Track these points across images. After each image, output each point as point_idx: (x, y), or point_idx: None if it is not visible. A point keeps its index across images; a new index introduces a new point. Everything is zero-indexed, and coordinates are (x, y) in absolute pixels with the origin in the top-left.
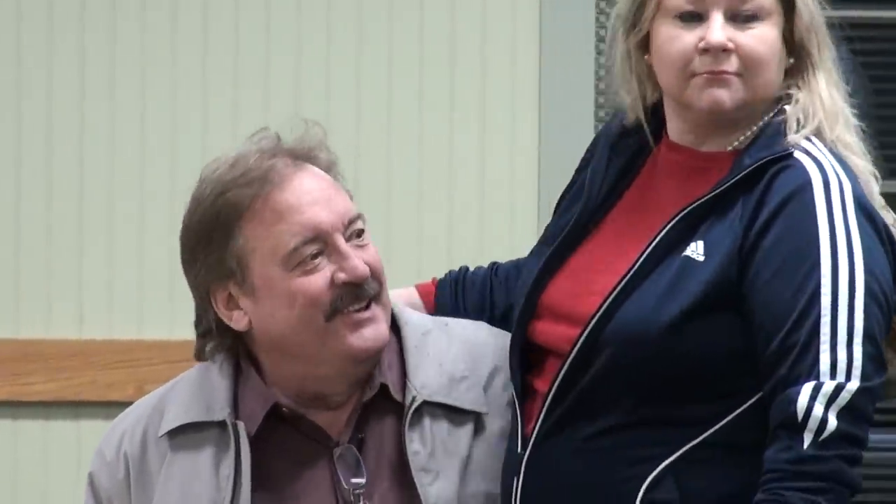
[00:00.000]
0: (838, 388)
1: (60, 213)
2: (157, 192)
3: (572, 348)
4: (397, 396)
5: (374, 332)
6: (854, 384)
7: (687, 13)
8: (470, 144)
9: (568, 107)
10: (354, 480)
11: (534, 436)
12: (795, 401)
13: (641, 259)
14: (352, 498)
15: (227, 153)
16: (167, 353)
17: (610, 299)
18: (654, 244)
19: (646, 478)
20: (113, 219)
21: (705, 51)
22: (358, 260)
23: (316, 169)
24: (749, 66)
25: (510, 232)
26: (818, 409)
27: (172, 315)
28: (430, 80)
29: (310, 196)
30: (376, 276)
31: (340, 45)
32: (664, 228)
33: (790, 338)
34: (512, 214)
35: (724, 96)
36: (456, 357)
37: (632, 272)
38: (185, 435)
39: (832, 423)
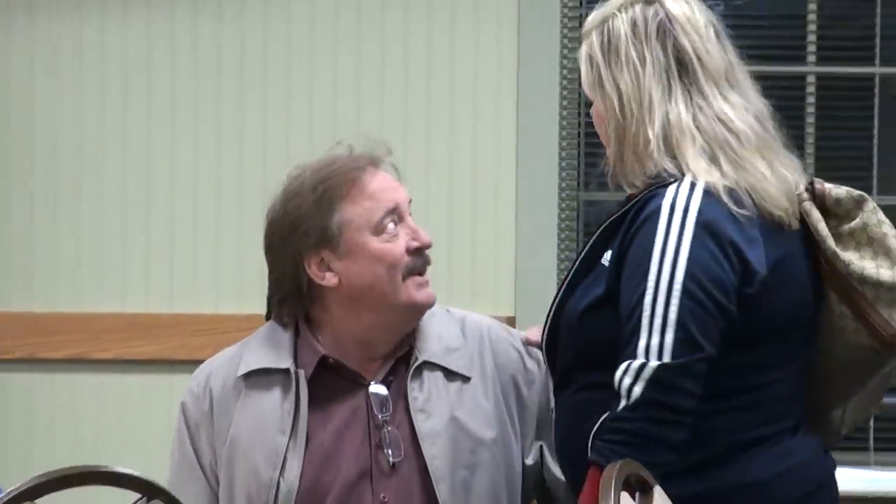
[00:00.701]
0: (642, 366)
1: (156, 213)
2: (231, 199)
3: (544, 331)
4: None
5: (429, 292)
6: (657, 361)
7: None
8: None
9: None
10: (383, 414)
11: (552, 389)
12: (616, 375)
13: (576, 265)
14: (381, 423)
15: (313, 160)
16: (238, 324)
17: (559, 296)
18: (583, 254)
19: (593, 427)
20: (197, 220)
21: None
22: (424, 231)
23: (385, 167)
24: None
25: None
26: (626, 382)
27: (241, 294)
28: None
29: (388, 183)
30: (429, 247)
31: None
32: (589, 242)
33: (626, 328)
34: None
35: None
36: (450, 333)
37: (570, 276)
38: (256, 377)
39: (636, 392)
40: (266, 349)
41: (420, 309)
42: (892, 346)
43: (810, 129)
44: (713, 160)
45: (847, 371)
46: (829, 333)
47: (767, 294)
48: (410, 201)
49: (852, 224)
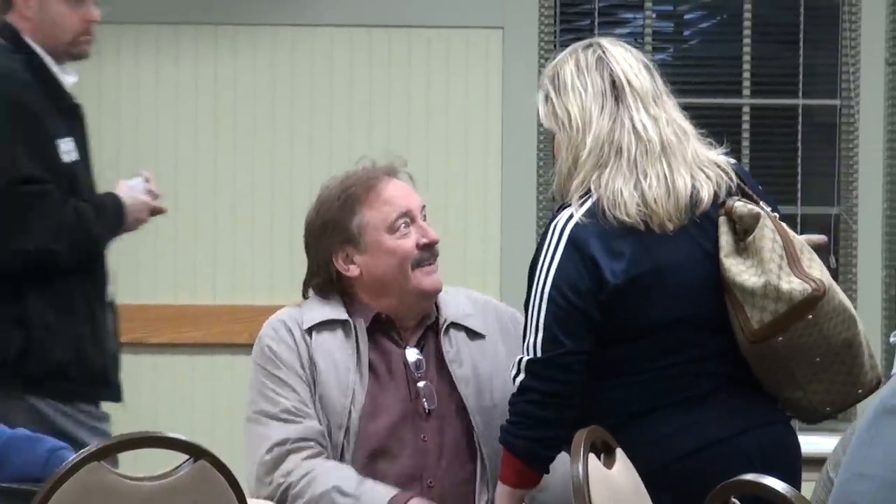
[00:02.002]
0: (521, 360)
1: (193, 224)
2: (263, 212)
3: None
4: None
5: (437, 278)
6: (528, 356)
7: None
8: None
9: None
10: (418, 371)
11: None
12: (511, 372)
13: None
14: (417, 376)
15: (341, 173)
16: (269, 313)
17: None
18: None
19: None
20: (236, 226)
21: None
22: (432, 230)
23: (401, 176)
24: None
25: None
26: (513, 373)
27: (272, 288)
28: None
29: (401, 191)
30: (436, 243)
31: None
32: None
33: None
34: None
35: None
36: (464, 304)
37: None
38: (321, 327)
39: (519, 381)
40: (323, 307)
41: (428, 294)
42: (755, 342)
43: (745, 152)
44: (602, 167)
45: (767, 359)
46: (735, 325)
47: (622, 300)
48: (424, 206)
49: (750, 238)
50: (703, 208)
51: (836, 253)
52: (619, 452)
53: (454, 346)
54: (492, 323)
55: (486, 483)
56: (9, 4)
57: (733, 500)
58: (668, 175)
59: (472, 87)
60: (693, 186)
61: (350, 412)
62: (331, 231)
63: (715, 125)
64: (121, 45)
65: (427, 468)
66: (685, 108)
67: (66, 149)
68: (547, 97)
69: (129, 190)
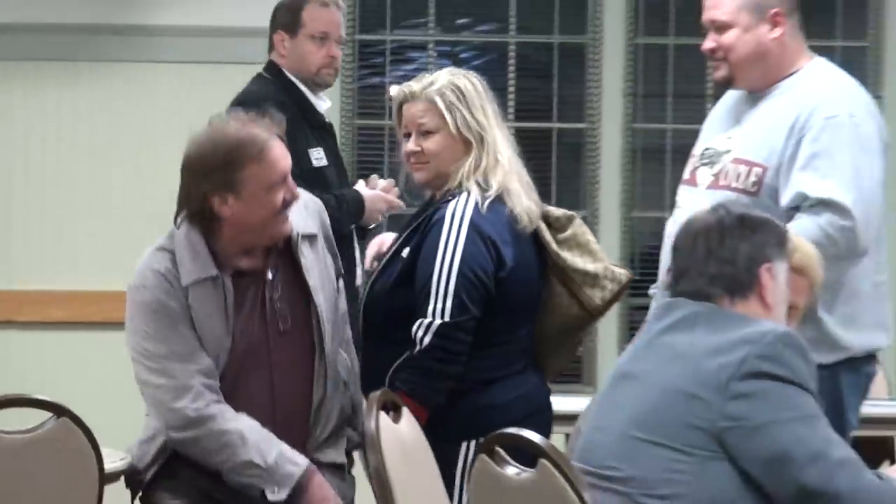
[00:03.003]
0: (430, 323)
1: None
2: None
3: (361, 300)
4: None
5: (290, 224)
6: (441, 320)
7: (405, 134)
8: None
9: None
10: (275, 293)
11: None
12: (413, 329)
13: (387, 258)
14: (274, 296)
15: (232, 117)
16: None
17: (374, 277)
18: (392, 250)
19: (391, 366)
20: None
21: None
22: (297, 189)
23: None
24: (428, 158)
25: None
26: (420, 334)
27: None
28: None
29: (282, 156)
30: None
31: None
32: (396, 243)
33: (419, 297)
34: None
35: (420, 176)
36: (304, 219)
37: (383, 265)
38: (195, 283)
39: (426, 340)
40: (194, 259)
41: (284, 236)
42: (593, 315)
43: None
44: (497, 169)
45: (560, 332)
46: (551, 307)
47: (510, 279)
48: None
49: (566, 234)
50: None
51: None
52: (405, 411)
53: (307, 256)
54: (313, 215)
55: (322, 377)
56: (271, 46)
57: (498, 448)
58: (521, 187)
59: None
60: (531, 194)
61: (218, 356)
62: (216, 176)
63: None
64: None
65: (277, 379)
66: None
67: (317, 156)
68: (452, 108)
69: (370, 187)
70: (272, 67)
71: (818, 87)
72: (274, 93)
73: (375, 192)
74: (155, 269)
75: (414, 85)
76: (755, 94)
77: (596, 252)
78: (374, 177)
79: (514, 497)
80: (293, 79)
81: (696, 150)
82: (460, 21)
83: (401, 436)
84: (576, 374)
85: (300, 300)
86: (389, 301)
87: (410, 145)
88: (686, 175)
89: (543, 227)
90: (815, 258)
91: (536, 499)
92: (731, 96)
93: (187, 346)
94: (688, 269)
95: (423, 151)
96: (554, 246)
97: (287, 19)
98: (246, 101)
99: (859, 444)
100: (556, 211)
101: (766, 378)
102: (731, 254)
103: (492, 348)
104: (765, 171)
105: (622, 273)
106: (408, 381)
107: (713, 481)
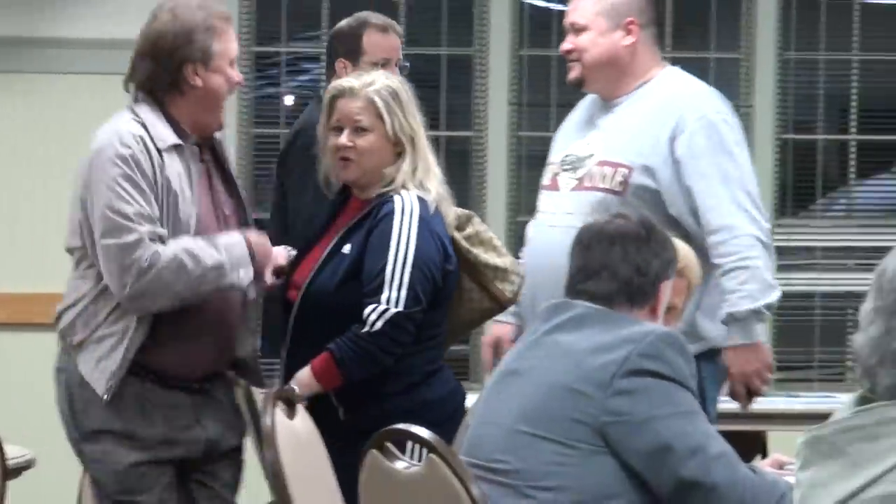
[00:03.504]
0: (385, 310)
1: None
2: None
3: (298, 302)
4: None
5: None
6: (396, 308)
7: (335, 128)
8: None
9: None
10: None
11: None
12: (366, 312)
13: (323, 256)
14: (215, 183)
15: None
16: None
17: (311, 277)
18: (329, 248)
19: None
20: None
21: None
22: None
23: None
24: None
25: None
26: (372, 317)
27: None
28: None
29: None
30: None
31: None
32: (334, 240)
33: (370, 285)
34: None
35: (348, 174)
36: None
37: (319, 264)
38: (169, 149)
39: (378, 325)
40: (163, 126)
41: (222, 125)
42: (503, 306)
43: None
44: (433, 170)
45: (467, 325)
46: (460, 302)
47: (449, 275)
48: None
49: (468, 232)
50: None
51: None
52: (300, 407)
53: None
54: None
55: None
56: (332, 72)
57: (388, 444)
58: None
59: None
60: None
61: (190, 224)
62: (194, 46)
63: None
64: None
65: None
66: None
67: None
68: (390, 110)
69: None
70: None
71: (680, 90)
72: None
73: None
74: (131, 132)
75: (353, 81)
76: (610, 102)
77: (499, 248)
78: None
79: (404, 491)
80: None
81: (555, 157)
82: None
83: (295, 431)
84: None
85: (230, 195)
86: (336, 298)
87: (342, 139)
88: (546, 182)
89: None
90: (694, 259)
91: (425, 492)
92: (582, 106)
93: (153, 211)
94: (600, 271)
95: (355, 147)
96: (464, 243)
97: (348, 47)
98: (306, 128)
99: (733, 439)
100: (457, 210)
101: (647, 375)
102: (645, 265)
103: (431, 340)
104: (630, 172)
105: (522, 267)
106: (343, 349)
107: (596, 474)
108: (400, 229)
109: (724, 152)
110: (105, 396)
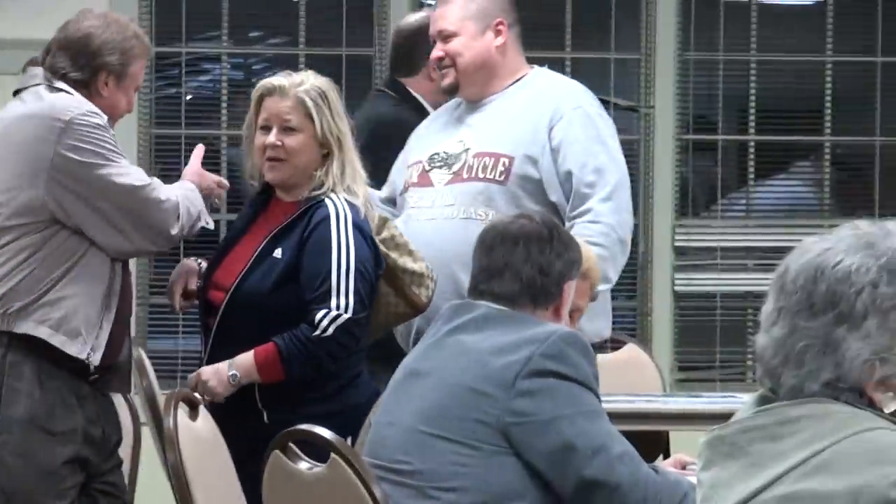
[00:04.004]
0: (337, 316)
1: None
2: None
3: (222, 303)
4: None
5: None
6: (347, 315)
7: (263, 127)
8: None
9: None
10: None
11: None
12: (317, 316)
13: (251, 261)
14: None
15: (118, 16)
16: None
17: (236, 282)
18: (257, 252)
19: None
20: None
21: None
22: None
23: None
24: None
25: None
26: (324, 323)
27: None
28: None
29: None
30: None
31: None
32: (262, 244)
33: (315, 292)
34: None
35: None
36: None
37: (246, 269)
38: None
39: (329, 330)
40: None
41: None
42: (419, 311)
43: None
44: (351, 186)
45: (381, 329)
46: (377, 306)
47: (379, 278)
48: None
49: (384, 236)
50: None
51: None
52: (202, 408)
53: None
54: None
55: None
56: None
57: (291, 445)
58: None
59: None
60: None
61: None
62: (116, 58)
63: None
64: None
65: None
66: None
67: None
68: (319, 111)
69: None
70: (397, 86)
71: (556, 83)
72: (408, 115)
73: None
74: (89, 107)
75: (282, 81)
76: (477, 102)
77: (414, 252)
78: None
79: (307, 491)
80: (421, 99)
81: (419, 156)
82: (252, 34)
83: (197, 433)
84: None
85: None
86: (269, 301)
87: (271, 138)
88: (413, 179)
89: None
90: (595, 261)
91: (328, 493)
92: (443, 111)
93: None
94: (503, 271)
95: (284, 147)
96: (382, 247)
97: (412, 58)
98: (385, 122)
99: (636, 439)
100: (371, 213)
101: (550, 376)
102: (548, 266)
103: (359, 343)
104: (512, 161)
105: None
106: (290, 347)
107: (499, 474)
108: (338, 235)
109: (599, 142)
110: None
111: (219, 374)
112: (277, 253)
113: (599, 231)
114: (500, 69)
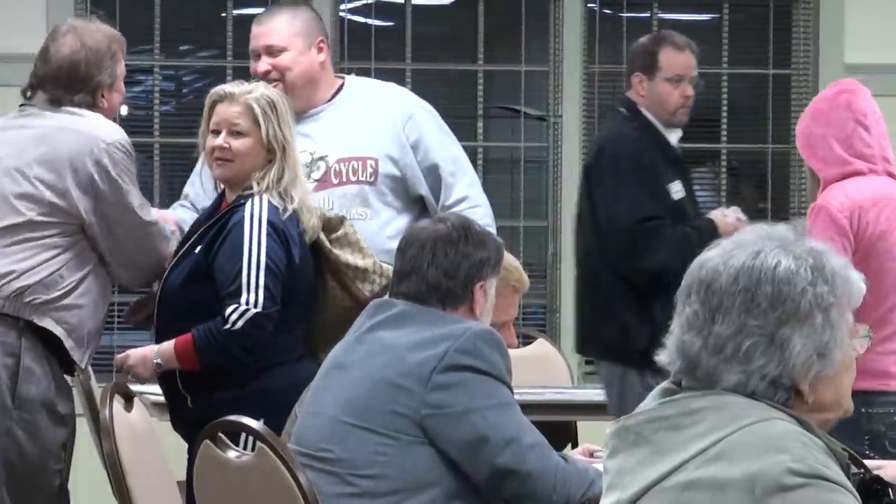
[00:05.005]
0: (246, 310)
1: None
2: None
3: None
4: None
5: None
6: (255, 309)
7: (213, 131)
8: None
9: None
10: None
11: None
12: (227, 311)
13: (180, 254)
14: None
15: (88, 22)
16: None
17: (167, 275)
18: (184, 248)
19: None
20: None
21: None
22: None
23: None
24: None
25: None
26: (234, 317)
27: None
28: None
29: None
30: None
31: None
32: (190, 240)
33: (228, 288)
34: None
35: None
36: None
37: (174, 263)
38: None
39: (239, 324)
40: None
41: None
42: (363, 305)
43: None
44: (287, 189)
45: (334, 323)
46: (325, 300)
47: (294, 275)
48: None
49: (338, 234)
50: None
51: None
52: (137, 400)
53: None
54: None
55: None
56: (629, 85)
57: (220, 434)
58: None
59: None
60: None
61: None
62: (104, 73)
63: None
64: None
65: None
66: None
67: (675, 189)
68: (266, 118)
69: (723, 217)
70: (629, 104)
71: (383, 88)
72: (638, 135)
73: (728, 219)
74: (118, 129)
75: (233, 88)
76: (306, 113)
77: (365, 250)
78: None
79: (235, 478)
80: (650, 117)
81: None
82: (183, 47)
83: (132, 423)
84: None
85: None
86: (180, 296)
87: (219, 140)
88: None
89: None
90: (522, 271)
91: (256, 479)
92: None
93: None
94: (411, 273)
95: (231, 149)
96: (327, 244)
97: (645, 62)
98: (623, 142)
99: (545, 429)
100: (329, 213)
101: (465, 370)
102: (452, 268)
103: (282, 335)
104: (377, 162)
105: (389, 268)
106: (203, 339)
107: (415, 463)
108: (251, 234)
109: (446, 133)
110: None
111: (145, 359)
112: (197, 250)
113: (483, 213)
114: (321, 82)
